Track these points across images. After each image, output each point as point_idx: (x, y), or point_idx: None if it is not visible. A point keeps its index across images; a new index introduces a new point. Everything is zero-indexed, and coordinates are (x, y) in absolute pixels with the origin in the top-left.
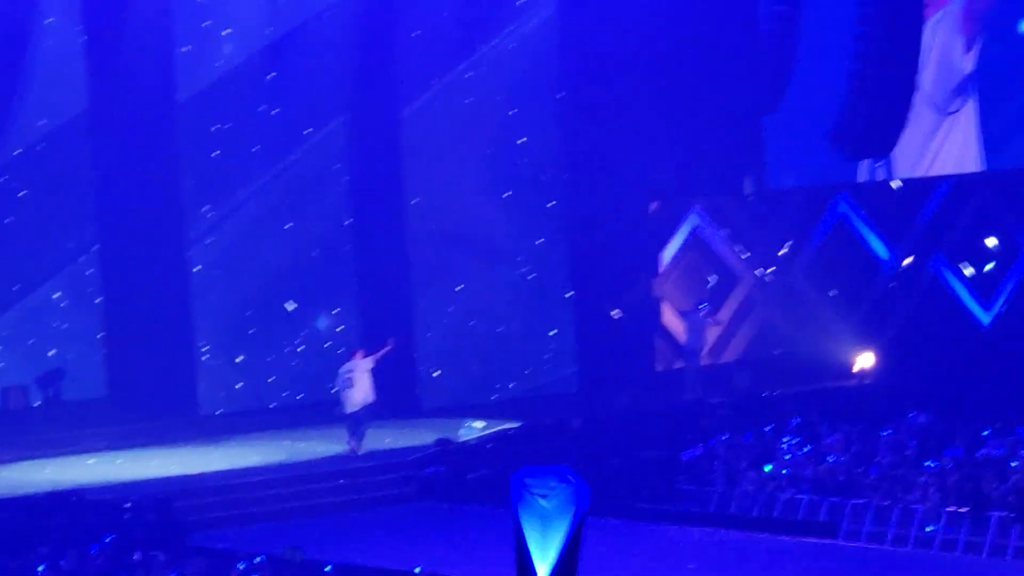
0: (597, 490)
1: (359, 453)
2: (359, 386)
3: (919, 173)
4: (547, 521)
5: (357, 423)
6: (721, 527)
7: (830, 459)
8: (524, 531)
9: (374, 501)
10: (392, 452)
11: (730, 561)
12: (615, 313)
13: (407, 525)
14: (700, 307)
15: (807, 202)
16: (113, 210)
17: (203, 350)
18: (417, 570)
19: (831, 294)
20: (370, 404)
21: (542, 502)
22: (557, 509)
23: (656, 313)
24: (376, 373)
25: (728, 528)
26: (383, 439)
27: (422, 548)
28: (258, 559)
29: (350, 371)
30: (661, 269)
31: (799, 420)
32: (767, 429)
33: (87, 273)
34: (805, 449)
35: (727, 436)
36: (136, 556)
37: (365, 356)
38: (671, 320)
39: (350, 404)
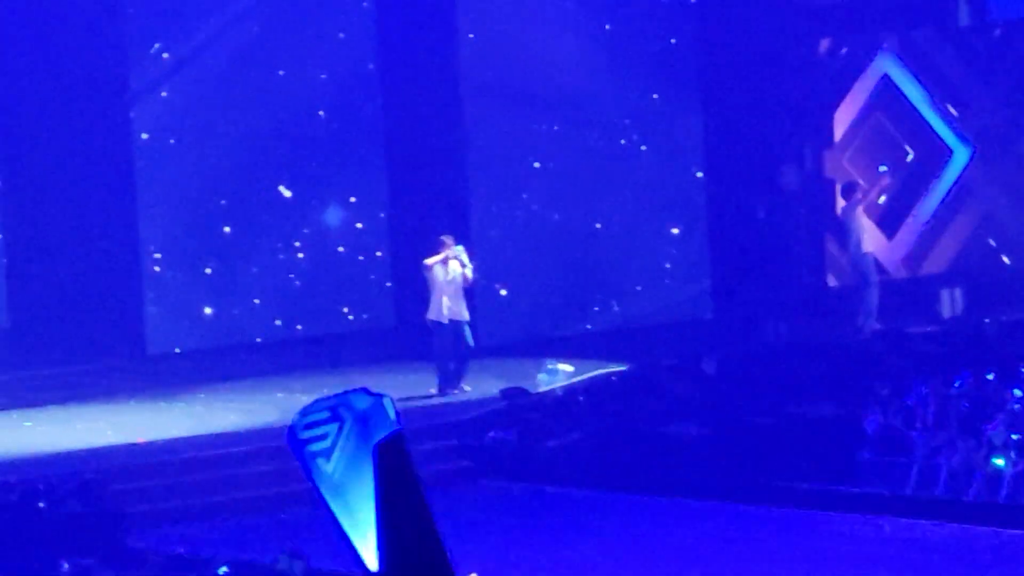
0: (742, 465)
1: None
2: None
3: None
4: (340, 488)
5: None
6: (922, 517)
7: None
8: (332, 510)
9: None
10: (440, 409)
11: (936, 566)
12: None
13: (460, 515)
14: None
15: None
16: (16, 48)
17: (154, 257)
18: None
19: None
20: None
21: (322, 463)
22: (345, 464)
23: (828, 201)
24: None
25: (932, 519)
26: (414, 389)
27: (482, 546)
28: (223, 570)
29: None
30: (836, 138)
31: None
32: (989, 374)
33: None
34: None
35: (930, 385)
36: (63, 566)
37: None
38: (854, 213)
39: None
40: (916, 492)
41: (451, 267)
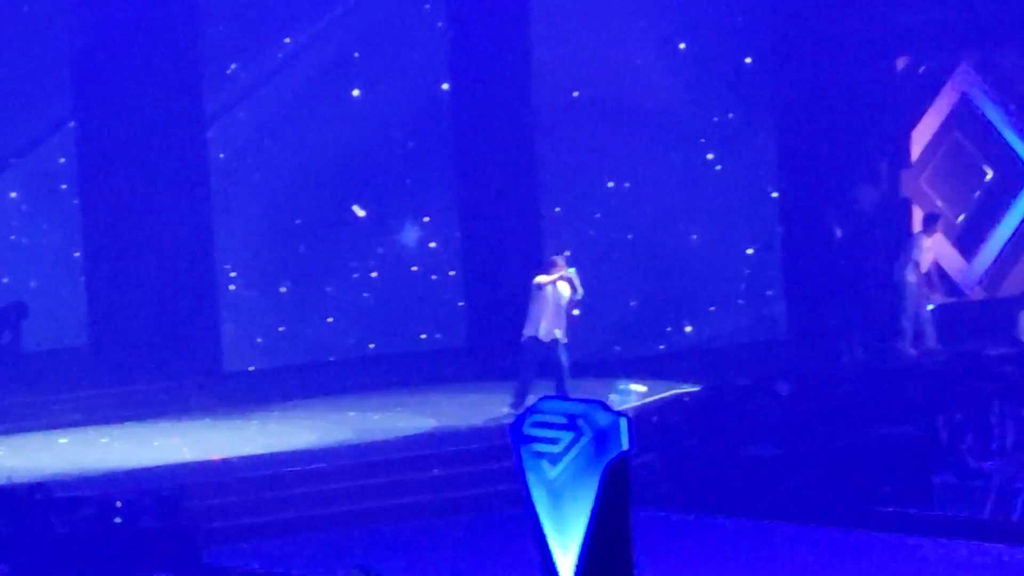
0: (816, 485)
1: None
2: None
3: None
4: (557, 493)
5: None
6: (999, 542)
7: None
8: (536, 509)
9: (480, 501)
10: (505, 430)
11: None
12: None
13: (526, 537)
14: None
15: None
16: (96, 70)
17: (229, 276)
18: None
19: None
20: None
21: (545, 466)
22: (571, 474)
23: (904, 221)
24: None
25: (1010, 544)
26: (488, 409)
27: None
28: None
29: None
30: (913, 157)
31: None
32: None
33: (59, 161)
34: None
35: (1007, 407)
36: None
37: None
38: (919, 240)
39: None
40: (994, 516)
41: (560, 287)
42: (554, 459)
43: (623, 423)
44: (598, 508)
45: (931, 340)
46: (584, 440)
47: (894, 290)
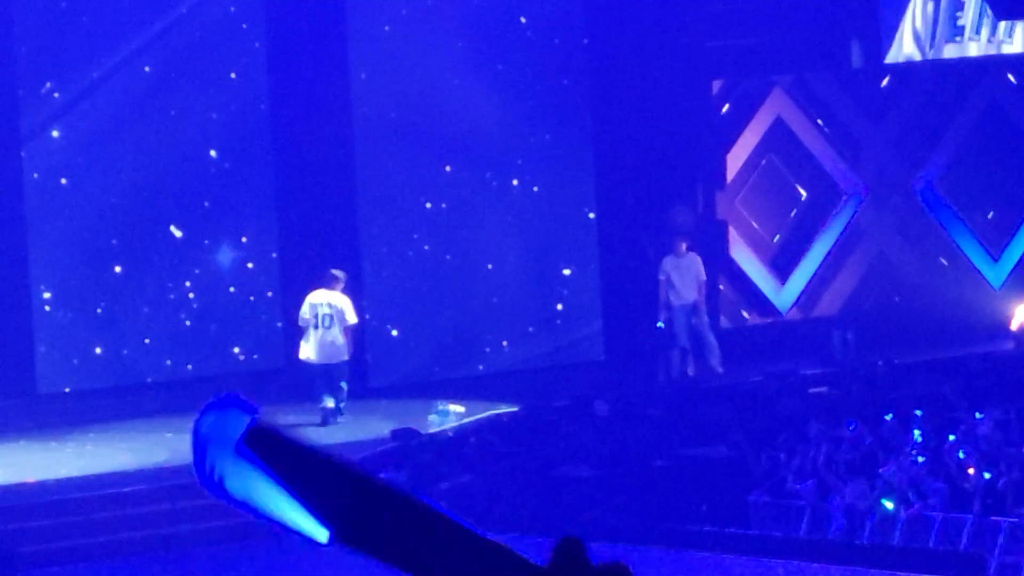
0: (632, 507)
1: (339, 418)
2: (339, 330)
3: None
4: (254, 497)
5: (337, 378)
6: (815, 560)
7: (976, 459)
8: (267, 518)
9: None
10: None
11: None
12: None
13: (350, 559)
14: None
15: (944, 82)
16: None
17: (43, 297)
18: None
19: (988, 216)
20: (346, 362)
21: (231, 487)
22: (237, 479)
23: (721, 243)
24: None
25: (825, 562)
26: (311, 429)
27: None
28: None
29: (330, 304)
30: (729, 178)
31: (928, 402)
32: (884, 416)
33: None
34: (936, 443)
35: (821, 426)
36: None
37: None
38: (743, 253)
39: (316, 352)
40: (809, 534)
41: (340, 305)
42: (223, 482)
43: (217, 412)
44: (273, 471)
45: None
46: (211, 451)
47: (683, 312)
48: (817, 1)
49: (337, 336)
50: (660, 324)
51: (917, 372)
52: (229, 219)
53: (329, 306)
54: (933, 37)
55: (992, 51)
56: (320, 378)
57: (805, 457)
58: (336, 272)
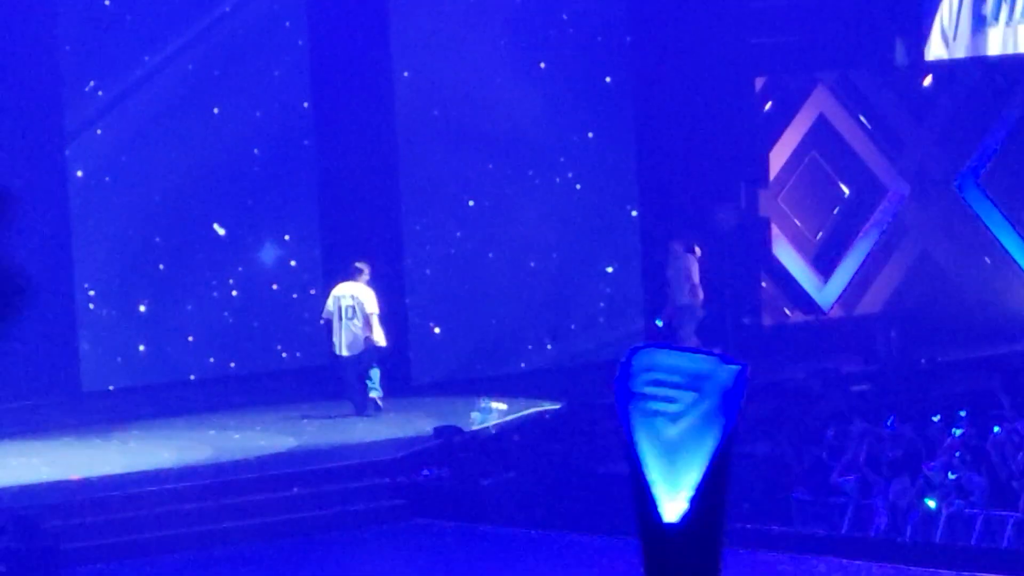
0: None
1: (380, 407)
2: (366, 322)
3: None
4: (671, 451)
5: (367, 367)
6: (856, 558)
7: (1020, 456)
8: (644, 461)
9: (345, 519)
10: (371, 447)
11: None
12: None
13: (394, 553)
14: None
15: (987, 78)
16: None
17: (87, 295)
18: None
19: None
20: (380, 349)
21: (661, 424)
22: (689, 434)
23: (764, 241)
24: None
25: (867, 560)
26: (355, 426)
27: None
28: None
29: (352, 296)
30: (771, 176)
31: (970, 399)
32: (926, 413)
33: None
34: (977, 440)
35: (864, 424)
36: None
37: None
38: (786, 251)
39: (344, 344)
40: (851, 532)
41: (362, 298)
42: (674, 418)
43: (744, 376)
44: (717, 460)
45: None
46: (707, 402)
47: (680, 314)
48: None
49: (360, 327)
50: (658, 322)
51: (960, 369)
52: (272, 217)
53: (352, 298)
54: (956, 29)
55: (1011, 35)
56: (350, 370)
57: (848, 454)
58: (359, 264)
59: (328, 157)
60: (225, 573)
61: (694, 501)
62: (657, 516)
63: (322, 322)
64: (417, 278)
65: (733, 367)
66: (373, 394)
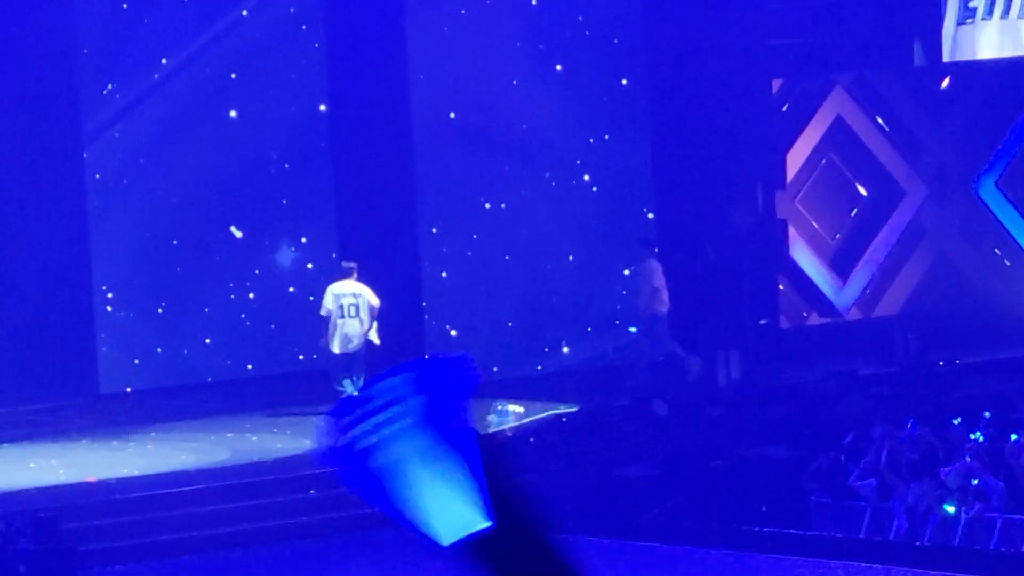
0: (691, 508)
1: None
2: (363, 318)
3: None
4: (406, 474)
5: (360, 364)
6: (875, 561)
7: None
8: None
9: (362, 522)
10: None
11: None
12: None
13: (409, 556)
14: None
15: (1007, 80)
16: None
17: (106, 297)
18: None
19: None
20: (373, 347)
21: (374, 454)
22: (411, 449)
23: (781, 243)
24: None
25: (885, 563)
26: None
27: None
28: None
29: (354, 294)
30: (789, 178)
31: (989, 402)
32: (946, 416)
33: None
34: (997, 444)
35: (883, 427)
36: None
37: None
38: (803, 253)
39: (344, 342)
40: (869, 536)
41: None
42: (391, 440)
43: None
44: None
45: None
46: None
47: (650, 323)
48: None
49: (359, 325)
50: (632, 328)
51: (978, 372)
52: (289, 219)
53: (353, 295)
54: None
55: (1010, 29)
56: (341, 366)
57: (867, 458)
58: (350, 264)
59: (345, 160)
60: (242, 575)
61: (486, 500)
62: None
63: (323, 313)
64: (434, 280)
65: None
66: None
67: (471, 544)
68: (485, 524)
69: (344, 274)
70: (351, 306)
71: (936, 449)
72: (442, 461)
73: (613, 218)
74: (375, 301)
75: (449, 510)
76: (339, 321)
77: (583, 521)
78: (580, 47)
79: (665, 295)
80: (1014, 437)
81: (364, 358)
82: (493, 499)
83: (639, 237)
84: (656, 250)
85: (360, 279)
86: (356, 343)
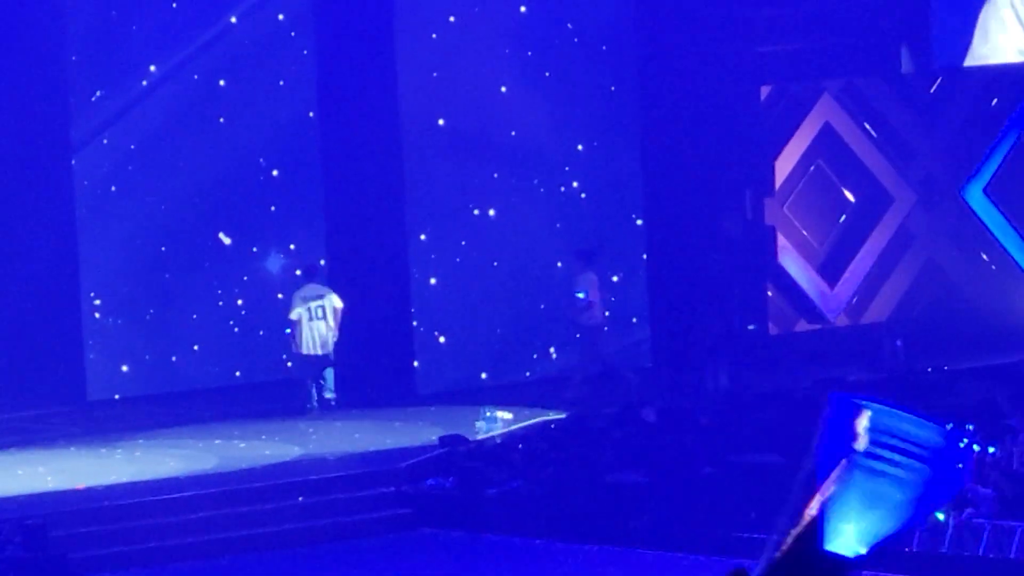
0: (681, 514)
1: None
2: (331, 322)
3: None
4: (879, 504)
5: (324, 368)
6: (864, 568)
7: None
8: (834, 503)
9: (350, 529)
10: (376, 456)
11: None
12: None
13: (399, 563)
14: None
15: (994, 86)
16: None
17: (94, 304)
18: None
19: None
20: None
21: (885, 484)
22: (906, 494)
23: (769, 249)
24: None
25: (873, 569)
26: (360, 435)
27: None
28: None
29: (319, 296)
30: (777, 184)
31: (978, 408)
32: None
33: None
34: (989, 451)
35: None
36: None
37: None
38: (791, 259)
39: (316, 344)
40: None
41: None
42: (899, 483)
43: (969, 453)
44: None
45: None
46: (927, 476)
47: (589, 334)
48: (866, 6)
49: (326, 326)
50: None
51: (966, 378)
52: (278, 226)
53: (319, 298)
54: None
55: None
56: (312, 369)
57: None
58: (319, 263)
59: (334, 166)
60: None
61: (872, 549)
62: (824, 548)
63: (294, 317)
64: (422, 287)
65: (961, 444)
66: (329, 395)
67: (839, 560)
68: (861, 552)
69: (312, 274)
70: (318, 307)
71: None
72: (891, 510)
73: (602, 225)
74: (339, 304)
75: (853, 530)
76: (308, 324)
77: (572, 527)
78: (569, 54)
79: (599, 309)
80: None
81: (330, 359)
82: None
83: (576, 250)
84: (591, 263)
85: (349, 286)
86: (325, 345)
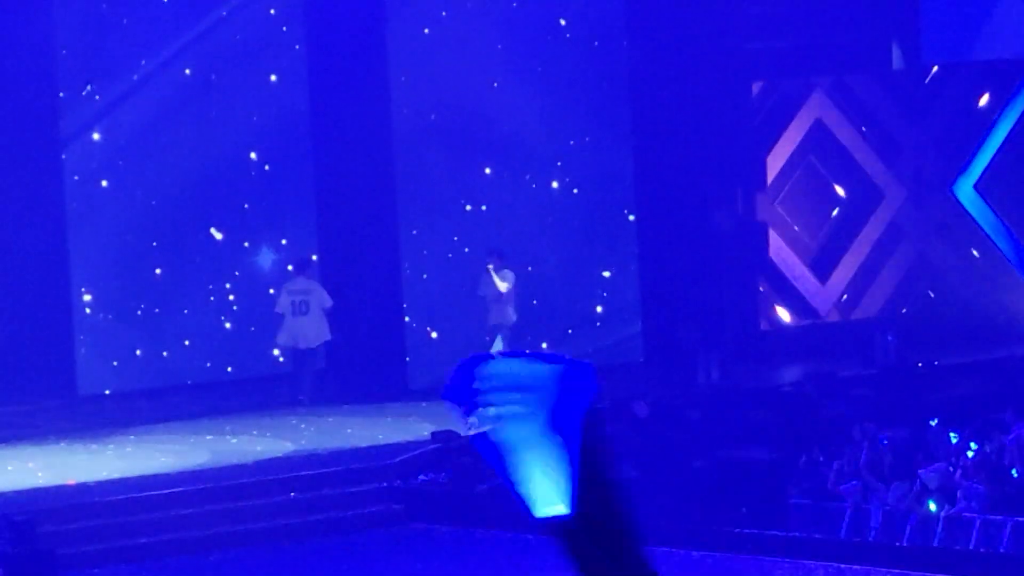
0: (672, 509)
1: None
2: (315, 315)
3: None
4: (524, 448)
5: (310, 365)
6: (855, 562)
7: (1015, 460)
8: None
9: (342, 524)
10: (368, 451)
11: None
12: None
13: (391, 558)
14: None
15: (985, 82)
16: None
17: (84, 299)
18: None
19: None
20: (325, 343)
21: (514, 427)
22: (534, 425)
23: (761, 245)
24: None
25: (864, 564)
26: (352, 431)
27: None
28: None
29: (305, 292)
30: (769, 180)
31: (968, 403)
32: (925, 418)
33: None
34: (979, 447)
35: (863, 429)
36: None
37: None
38: (783, 254)
39: (303, 337)
40: (849, 537)
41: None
42: (516, 419)
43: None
44: (582, 456)
45: None
46: (544, 401)
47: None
48: (857, 2)
49: (311, 321)
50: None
51: (957, 373)
52: (269, 221)
53: (303, 293)
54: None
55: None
56: (297, 362)
57: (846, 459)
58: (311, 257)
59: (325, 162)
60: None
61: (575, 494)
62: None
63: (279, 310)
64: (414, 283)
65: (556, 366)
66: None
67: (554, 522)
68: (564, 511)
69: (303, 268)
70: (302, 303)
71: (915, 450)
72: (548, 449)
73: (593, 220)
74: (327, 302)
75: (543, 491)
76: (291, 319)
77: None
78: (560, 50)
79: (506, 308)
80: (984, 443)
81: (320, 355)
82: (582, 491)
83: (490, 247)
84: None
85: (340, 281)
86: (307, 339)
